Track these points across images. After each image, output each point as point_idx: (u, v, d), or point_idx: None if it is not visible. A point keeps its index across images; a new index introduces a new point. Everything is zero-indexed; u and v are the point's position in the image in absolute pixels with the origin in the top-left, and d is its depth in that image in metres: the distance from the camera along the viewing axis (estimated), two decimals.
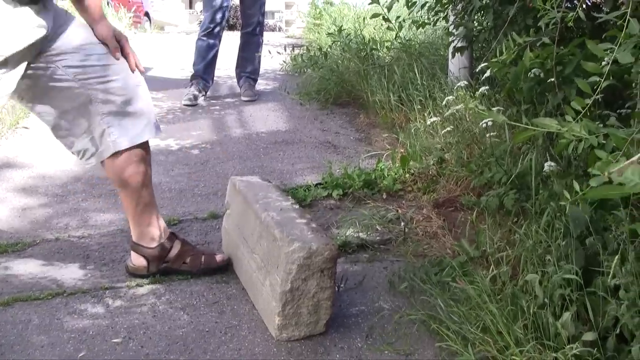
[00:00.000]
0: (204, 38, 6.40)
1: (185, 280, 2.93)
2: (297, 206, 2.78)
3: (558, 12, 2.34)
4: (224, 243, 3.16)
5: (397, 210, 3.59)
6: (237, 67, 6.80)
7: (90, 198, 3.92)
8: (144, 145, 2.90)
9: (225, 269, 3.00)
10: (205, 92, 6.55)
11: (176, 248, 2.98)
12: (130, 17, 11.38)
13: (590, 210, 2.32)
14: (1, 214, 3.67)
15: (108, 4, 11.83)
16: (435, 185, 3.81)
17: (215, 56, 6.51)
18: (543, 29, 2.62)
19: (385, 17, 4.91)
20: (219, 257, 3.02)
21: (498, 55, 2.70)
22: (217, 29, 6.41)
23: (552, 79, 2.67)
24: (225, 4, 6.38)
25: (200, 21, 6.68)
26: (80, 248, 3.27)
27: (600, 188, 1.55)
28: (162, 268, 2.96)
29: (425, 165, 3.96)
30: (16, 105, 5.42)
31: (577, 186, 1.90)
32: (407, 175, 3.98)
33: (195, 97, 6.30)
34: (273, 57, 7.31)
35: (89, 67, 2.59)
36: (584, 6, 3.48)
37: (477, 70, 3.13)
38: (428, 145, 4.14)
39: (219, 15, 6.36)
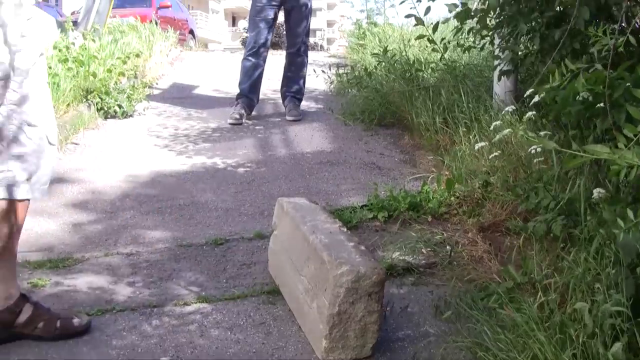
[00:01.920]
0: (250, 58, 6.48)
1: (232, 301, 2.96)
2: (344, 229, 2.79)
3: (611, 38, 2.33)
4: (271, 264, 3.18)
5: (443, 234, 3.59)
6: (282, 87, 6.87)
7: (139, 215, 3.97)
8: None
9: (84, 334, 2.68)
10: (251, 112, 6.62)
11: (26, 312, 2.62)
12: (176, 36, 11.50)
13: None
14: (52, 229, 3.74)
15: (156, 23, 11.96)
16: (480, 209, 3.79)
17: (260, 76, 6.58)
18: (595, 55, 2.62)
19: (430, 38, 4.93)
20: (76, 321, 2.70)
21: (550, 80, 2.69)
22: (262, 49, 6.50)
23: (601, 105, 2.66)
24: (269, 25, 6.48)
25: (243, 38, 6.76)
26: (128, 265, 3.32)
27: None
28: (9, 335, 2.62)
29: (470, 188, 3.95)
30: (67, 121, 5.52)
31: (631, 215, 1.90)
32: (452, 198, 3.97)
33: (241, 116, 6.35)
34: (318, 76, 7.34)
35: None
36: (636, 28, 3.48)
37: (525, 95, 3.12)
38: (473, 168, 4.13)
39: (263, 36, 6.45)
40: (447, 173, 4.33)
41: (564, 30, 3.29)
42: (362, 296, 2.39)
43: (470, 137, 4.52)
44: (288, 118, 6.51)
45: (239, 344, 2.61)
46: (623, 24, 2.53)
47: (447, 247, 3.43)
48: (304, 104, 6.95)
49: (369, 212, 3.90)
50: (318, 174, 4.79)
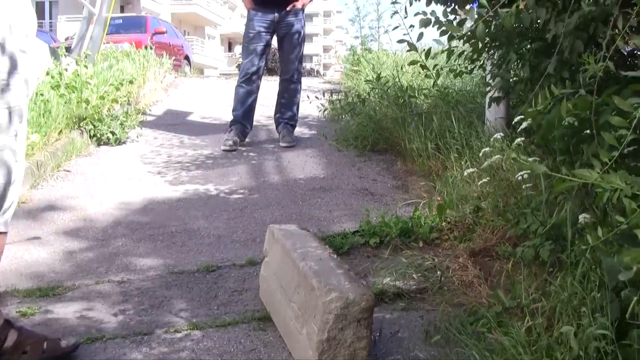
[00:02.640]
0: (243, 85, 6.54)
1: (223, 327, 2.97)
2: (335, 255, 2.81)
3: (597, 64, 2.37)
4: (262, 290, 3.19)
5: (434, 259, 3.60)
6: (275, 113, 6.92)
7: (131, 242, 3.98)
8: None
9: (71, 354, 2.70)
10: (244, 138, 6.65)
11: (12, 338, 2.62)
12: (170, 62, 11.55)
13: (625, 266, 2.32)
14: (43, 257, 3.75)
15: (151, 49, 12.02)
16: (471, 234, 3.81)
17: (253, 102, 6.64)
18: (581, 82, 2.65)
19: (423, 64, 4.97)
20: (63, 343, 2.71)
21: (534, 106, 2.73)
22: (255, 76, 6.57)
23: (588, 131, 2.69)
24: (262, 52, 6.55)
25: (239, 64, 6.81)
26: (119, 293, 3.32)
27: (635, 252, 1.57)
28: None
29: (461, 213, 3.97)
30: (59, 148, 5.54)
31: (600, 232, 1.92)
32: (443, 223, 3.99)
33: (235, 143, 6.38)
34: (312, 102, 7.37)
35: None
36: (621, 55, 3.52)
37: (514, 122, 3.16)
38: (464, 194, 4.15)
39: (256, 63, 6.52)
40: (438, 198, 4.35)
41: (557, 61, 3.33)
42: (351, 322, 2.41)
43: (462, 162, 4.54)
44: (282, 144, 6.54)
45: None
46: (606, 53, 2.56)
47: (438, 272, 3.44)
48: (298, 130, 6.98)
49: (361, 238, 3.91)
50: (311, 200, 4.81)
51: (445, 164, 4.89)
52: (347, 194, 4.93)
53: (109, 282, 3.45)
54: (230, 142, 6.38)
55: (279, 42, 6.74)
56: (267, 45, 6.65)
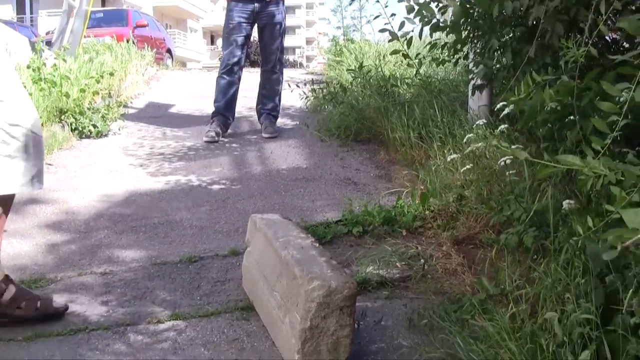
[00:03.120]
0: (224, 76, 6.51)
1: (206, 317, 2.95)
2: (317, 244, 2.80)
3: (578, 49, 2.35)
4: (244, 280, 3.18)
5: (417, 247, 3.59)
6: (257, 104, 6.89)
7: (113, 234, 3.95)
8: None
9: (62, 316, 2.90)
10: (226, 129, 6.63)
11: (10, 292, 2.80)
12: (152, 55, 11.48)
13: (609, 247, 2.31)
14: (25, 250, 3.71)
15: (133, 42, 11.96)
16: (455, 222, 3.80)
17: (235, 93, 6.62)
18: (562, 67, 2.64)
19: (405, 53, 4.95)
20: (55, 303, 2.91)
21: (517, 92, 2.72)
22: (236, 67, 6.54)
23: (571, 117, 2.69)
24: (243, 43, 6.52)
25: (221, 57, 6.75)
26: (102, 284, 3.30)
27: (617, 231, 1.56)
28: None
29: (445, 202, 3.96)
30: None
31: (590, 222, 1.92)
32: (427, 212, 3.98)
33: (217, 134, 6.36)
34: (293, 91, 7.33)
35: None
36: (604, 42, 3.51)
37: (496, 108, 3.14)
38: (448, 182, 4.14)
39: (237, 54, 6.48)
40: (421, 187, 4.34)
41: (538, 46, 3.32)
42: (333, 310, 2.39)
43: (445, 151, 4.53)
44: (264, 135, 6.52)
45: None
46: (587, 38, 2.55)
47: (421, 260, 3.43)
48: (280, 121, 6.95)
49: (344, 227, 3.90)
50: (293, 190, 4.79)
51: (428, 153, 4.88)
52: (330, 184, 4.92)
53: (91, 274, 3.42)
54: (212, 134, 6.35)
55: (260, 32, 6.69)
56: (248, 36, 6.61)
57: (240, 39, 6.47)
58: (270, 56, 6.70)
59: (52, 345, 2.68)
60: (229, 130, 6.68)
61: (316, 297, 2.36)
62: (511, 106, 2.87)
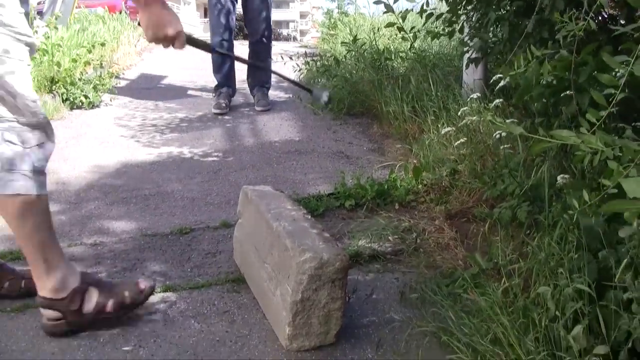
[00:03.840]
0: (216, 50, 6.38)
1: (197, 289, 2.93)
2: (309, 216, 2.77)
3: (576, 24, 2.32)
4: (236, 252, 3.15)
5: (410, 221, 3.58)
6: (248, 77, 6.81)
7: (104, 205, 3.92)
8: None
9: None
10: (229, 100, 6.57)
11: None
12: None
13: (603, 222, 2.30)
14: None
15: (126, 13, 11.87)
16: (448, 197, 3.79)
17: (231, 66, 6.54)
18: (561, 41, 2.61)
19: (400, 26, 4.90)
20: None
21: (515, 67, 2.69)
22: (226, 42, 6.41)
23: (569, 92, 2.66)
24: (228, 14, 6.38)
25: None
26: (92, 256, 3.27)
27: (614, 202, 1.53)
28: None
29: (438, 176, 3.94)
30: None
31: (586, 196, 1.90)
32: (419, 186, 3.97)
33: (226, 105, 6.34)
34: (286, 64, 7.26)
35: None
36: (602, 17, 3.48)
37: (491, 81, 3.12)
38: (441, 156, 4.12)
39: (224, 25, 6.36)
40: (415, 161, 4.32)
41: (536, 20, 3.29)
42: (325, 283, 2.37)
43: (439, 125, 4.51)
44: (257, 108, 6.47)
45: (202, 333, 2.59)
46: (586, 12, 2.52)
47: (414, 234, 3.42)
48: (273, 94, 6.92)
49: (336, 200, 3.88)
50: (286, 163, 4.76)
51: (422, 127, 4.86)
52: (323, 157, 4.89)
53: (82, 245, 3.39)
54: (222, 104, 6.32)
55: (244, 3, 6.56)
56: (233, 6, 6.46)
57: (225, 11, 6.34)
58: (258, 26, 6.55)
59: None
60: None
61: (308, 269, 2.34)
62: (507, 79, 2.84)
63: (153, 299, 2.82)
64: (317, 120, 6.00)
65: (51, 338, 2.52)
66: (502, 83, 2.89)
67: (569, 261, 2.27)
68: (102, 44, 8.13)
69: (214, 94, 6.59)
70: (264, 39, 6.60)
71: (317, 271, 2.34)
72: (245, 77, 6.85)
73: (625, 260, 2.14)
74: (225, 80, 6.51)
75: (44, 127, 2.45)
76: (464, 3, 4.04)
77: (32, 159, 2.39)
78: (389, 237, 3.41)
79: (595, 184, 2.62)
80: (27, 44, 2.38)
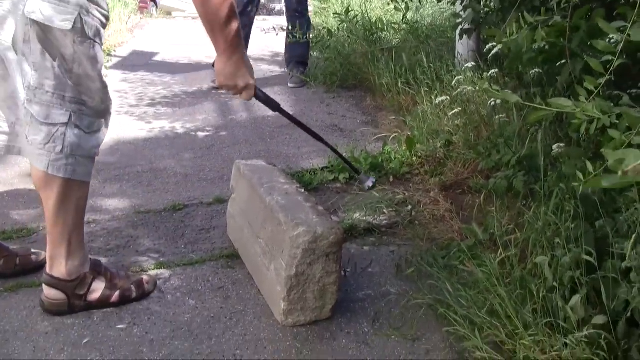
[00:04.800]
0: None
1: (191, 266, 2.91)
2: (302, 190, 2.75)
3: None
4: (229, 228, 3.13)
5: (404, 194, 3.55)
6: (285, 52, 6.61)
7: (96, 183, 3.87)
8: None
9: (42, 268, 2.64)
10: None
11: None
12: (136, 4, 11.28)
13: (600, 191, 2.27)
14: (6, 200, 3.64)
15: None
16: (442, 168, 3.76)
17: (247, 35, 6.22)
18: (555, 8, 2.56)
19: None
20: (34, 257, 2.85)
21: (508, 34, 2.65)
22: (249, 7, 6.15)
23: (564, 61, 2.62)
24: None
25: None
26: (85, 234, 3.20)
27: (615, 178, 1.50)
28: None
29: (432, 148, 3.91)
30: None
31: (590, 167, 1.87)
32: (414, 158, 3.94)
33: None
34: (278, 35, 7.12)
35: None
36: None
37: (485, 51, 3.08)
38: (435, 128, 4.09)
39: None
40: (409, 133, 4.28)
41: None
42: (319, 257, 2.35)
43: (432, 97, 4.47)
44: (289, 84, 6.28)
45: (197, 309, 2.57)
46: None
47: (409, 206, 3.39)
48: (267, 68, 6.82)
49: (330, 173, 3.85)
50: (279, 137, 4.72)
51: (415, 99, 4.81)
52: (316, 131, 4.77)
53: None
54: None
55: None
56: None
57: None
58: (289, 2, 6.33)
59: (34, 296, 2.61)
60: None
61: (302, 243, 2.31)
62: (499, 46, 2.80)
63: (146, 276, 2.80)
64: (310, 94, 5.94)
65: (44, 317, 2.51)
66: (494, 50, 2.84)
67: (566, 230, 2.25)
68: None
69: None
70: (302, 11, 6.36)
71: (311, 245, 2.32)
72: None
73: (624, 229, 2.12)
74: None
75: (106, 114, 2.49)
76: None
77: (91, 144, 2.43)
78: (384, 210, 3.39)
79: (591, 153, 2.60)
80: (105, 25, 2.40)
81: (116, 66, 7.40)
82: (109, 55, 7.83)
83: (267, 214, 2.56)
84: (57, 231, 2.45)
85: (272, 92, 5.77)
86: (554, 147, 2.58)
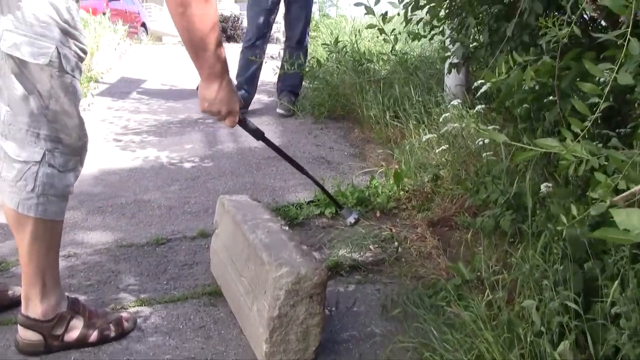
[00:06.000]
0: (247, 50, 6.21)
1: (172, 303, 2.85)
2: (286, 227, 2.70)
3: (559, 29, 2.25)
4: (212, 264, 3.08)
5: (391, 230, 3.51)
6: (278, 80, 6.63)
7: (79, 215, 3.83)
8: None
9: (18, 304, 2.52)
10: (247, 105, 6.35)
11: None
12: (125, 30, 11.26)
13: (588, 232, 2.23)
14: None
15: (105, 14, 11.75)
16: (430, 204, 3.73)
17: (258, 69, 6.30)
18: (544, 47, 2.53)
19: (381, 28, 4.82)
20: (10, 293, 2.76)
21: (496, 72, 2.62)
22: (260, 40, 6.20)
23: (551, 98, 2.60)
24: (269, 14, 6.18)
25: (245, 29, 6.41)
26: (66, 268, 3.18)
27: (604, 231, 1.47)
28: None
29: (419, 182, 3.88)
30: None
31: (574, 210, 1.83)
32: (401, 192, 3.90)
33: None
34: (267, 62, 7.06)
35: None
36: (582, 20, 3.41)
37: (473, 87, 3.05)
38: (423, 162, 4.06)
39: (262, 27, 6.15)
40: (396, 167, 4.25)
41: (515, 23, 3.22)
42: (303, 298, 2.30)
43: (420, 130, 4.44)
44: (278, 110, 6.28)
45: (177, 350, 2.51)
46: (571, 16, 2.45)
47: (395, 243, 3.35)
48: (256, 97, 6.71)
49: (316, 208, 3.81)
50: (265, 169, 4.68)
51: (403, 132, 4.79)
52: (303, 163, 4.76)
53: None
54: None
55: (287, 3, 6.31)
56: (275, 6, 6.22)
57: (266, 11, 6.11)
58: (296, 30, 6.34)
59: (9, 334, 2.55)
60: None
61: (285, 284, 2.26)
62: (488, 84, 2.77)
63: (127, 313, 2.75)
64: (297, 125, 5.91)
65: (20, 357, 2.44)
66: (483, 89, 2.82)
67: (554, 273, 2.21)
68: None
69: None
70: (301, 44, 6.40)
71: (295, 286, 2.27)
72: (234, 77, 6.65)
73: (613, 273, 2.08)
74: (245, 82, 6.24)
75: (83, 152, 2.44)
76: (444, 6, 3.97)
77: (64, 183, 2.37)
78: (370, 247, 3.34)
79: (579, 192, 2.57)
80: (83, 58, 2.36)
81: (103, 93, 7.38)
82: (96, 82, 7.81)
83: (251, 252, 2.51)
84: (30, 271, 2.38)
85: (260, 122, 5.77)
86: (542, 186, 2.55)
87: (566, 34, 2.21)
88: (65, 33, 2.21)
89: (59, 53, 2.18)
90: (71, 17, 2.23)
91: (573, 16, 2.36)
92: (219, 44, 2.29)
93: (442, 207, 3.63)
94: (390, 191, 3.91)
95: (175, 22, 2.23)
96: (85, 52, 2.33)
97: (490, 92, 2.97)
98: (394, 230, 3.51)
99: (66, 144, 2.31)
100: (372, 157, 4.85)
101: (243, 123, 2.59)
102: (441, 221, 3.58)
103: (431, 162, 4.00)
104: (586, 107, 1.96)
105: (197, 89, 2.42)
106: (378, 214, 3.77)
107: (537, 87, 2.56)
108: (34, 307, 2.41)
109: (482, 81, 2.88)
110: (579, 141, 1.95)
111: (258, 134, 2.69)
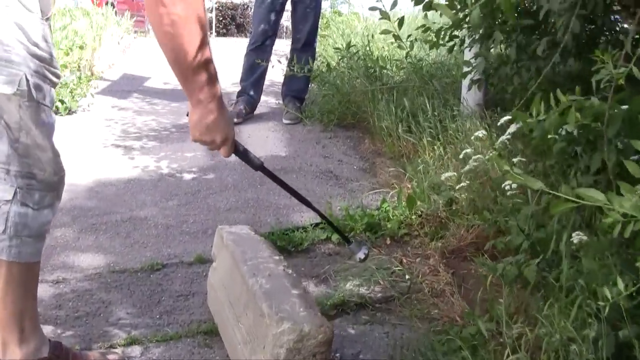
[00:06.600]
0: (252, 53, 6.02)
1: (165, 342, 2.65)
2: (290, 270, 2.48)
3: (614, 66, 1.99)
4: (209, 298, 2.86)
5: (402, 260, 3.29)
6: (283, 85, 6.44)
7: (71, 233, 3.61)
8: None
9: None
10: (253, 110, 6.14)
11: None
12: (131, 23, 11.03)
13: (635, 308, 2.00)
14: None
15: (112, 5, 11.55)
16: (444, 232, 3.49)
17: (264, 72, 6.12)
18: (594, 86, 2.24)
19: (396, 34, 4.58)
20: None
21: (532, 111, 2.33)
22: (267, 42, 6.02)
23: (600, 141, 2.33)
24: (276, 15, 6.00)
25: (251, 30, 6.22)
26: (53, 296, 2.98)
27: None
28: None
29: (433, 207, 3.64)
30: None
31: (621, 285, 1.61)
32: (413, 217, 3.67)
33: (240, 114, 5.88)
34: (274, 67, 6.82)
35: None
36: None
37: (499, 123, 2.81)
38: (437, 182, 3.81)
39: (268, 27, 5.97)
40: (408, 186, 4.02)
41: (547, 42, 2.98)
42: (305, 357, 2.08)
43: (435, 147, 4.20)
44: (284, 120, 6.04)
45: None
46: (630, 52, 2.18)
47: (406, 277, 3.13)
48: (263, 99, 6.46)
49: (322, 232, 3.60)
50: (269, 183, 4.39)
51: (417, 147, 4.55)
52: (310, 177, 4.58)
53: (42, 283, 3.04)
54: (238, 113, 5.88)
55: (294, 4, 6.14)
56: (282, 7, 6.03)
57: (273, 11, 5.93)
58: (303, 32, 6.15)
59: None
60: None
61: (286, 342, 2.05)
62: (518, 124, 2.52)
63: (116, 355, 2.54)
64: (305, 132, 5.68)
65: None
66: (512, 128, 2.56)
67: (584, 340, 1.98)
68: (81, 47, 7.71)
69: (234, 101, 6.14)
70: (308, 46, 6.22)
71: (297, 344, 2.06)
72: (237, 79, 6.40)
73: None
74: (250, 86, 6.06)
75: (59, 186, 2.21)
76: (465, 17, 3.71)
77: (39, 221, 2.14)
78: (379, 281, 3.12)
79: (615, 248, 2.32)
80: (57, 84, 2.14)
81: (104, 91, 7.17)
82: (97, 79, 7.60)
83: (250, 298, 2.30)
84: (6, 316, 2.17)
85: (266, 128, 5.56)
86: (574, 235, 2.29)
87: (622, 75, 1.95)
88: (35, 57, 1.97)
89: (27, 80, 1.94)
90: (41, 38, 2.00)
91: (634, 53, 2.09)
92: (210, 63, 2.01)
93: (457, 237, 3.40)
94: (401, 215, 3.69)
95: (159, 39, 1.97)
96: (58, 77, 2.10)
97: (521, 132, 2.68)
98: (404, 261, 3.30)
99: (40, 180, 2.08)
100: (383, 174, 4.61)
101: (239, 152, 2.34)
102: (455, 251, 3.36)
103: (446, 182, 3.76)
104: (638, 168, 1.72)
105: (188, 115, 2.17)
106: (388, 241, 3.55)
107: (575, 133, 2.29)
108: (12, 353, 2.21)
109: (509, 117, 2.62)
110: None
111: (256, 164, 2.44)
